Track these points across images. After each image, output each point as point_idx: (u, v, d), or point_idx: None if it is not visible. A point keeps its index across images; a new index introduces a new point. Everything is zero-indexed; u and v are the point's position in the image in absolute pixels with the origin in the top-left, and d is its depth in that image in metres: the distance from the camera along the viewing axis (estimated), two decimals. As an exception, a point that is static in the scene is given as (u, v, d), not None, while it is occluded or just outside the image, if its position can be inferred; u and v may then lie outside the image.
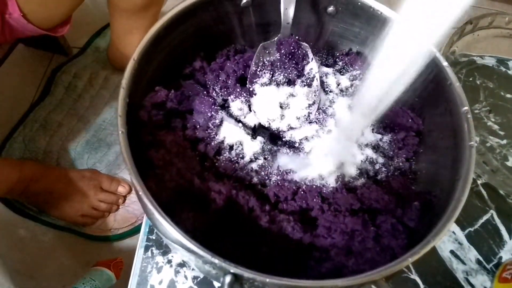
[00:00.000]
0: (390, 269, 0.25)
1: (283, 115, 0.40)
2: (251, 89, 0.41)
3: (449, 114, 0.35)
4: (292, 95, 0.42)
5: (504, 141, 0.53)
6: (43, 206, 0.73)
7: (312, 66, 0.42)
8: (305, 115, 0.40)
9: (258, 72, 0.41)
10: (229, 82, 0.40)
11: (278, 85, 0.42)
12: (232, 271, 0.24)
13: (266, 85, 0.41)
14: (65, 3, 0.60)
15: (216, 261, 0.24)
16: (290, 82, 0.42)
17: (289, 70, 0.41)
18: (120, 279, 0.63)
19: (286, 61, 0.41)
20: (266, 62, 0.41)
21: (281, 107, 0.41)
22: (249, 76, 0.41)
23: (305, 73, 0.42)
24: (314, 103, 0.41)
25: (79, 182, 0.72)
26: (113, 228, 0.78)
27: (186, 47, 0.40)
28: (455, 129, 0.34)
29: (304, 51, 0.42)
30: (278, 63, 0.41)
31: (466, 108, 0.33)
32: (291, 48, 0.41)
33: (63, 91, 0.92)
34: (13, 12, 0.51)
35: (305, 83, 0.42)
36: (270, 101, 0.40)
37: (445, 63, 0.35)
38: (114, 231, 0.78)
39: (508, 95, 0.58)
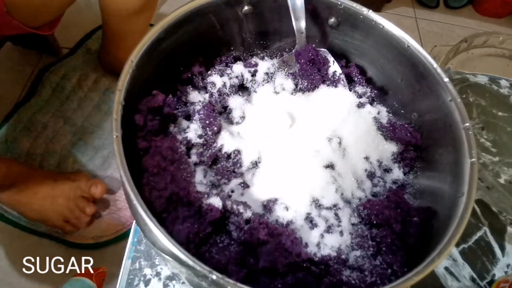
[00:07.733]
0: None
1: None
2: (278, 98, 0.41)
3: (449, 130, 0.35)
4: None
5: (497, 158, 0.53)
6: (25, 207, 0.70)
7: (335, 69, 0.42)
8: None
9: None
10: (229, 89, 0.39)
11: (303, 91, 0.42)
12: None
13: (292, 94, 0.42)
14: (54, 2, 0.57)
15: (214, 277, 0.22)
16: (316, 88, 0.42)
17: (312, 77, 0.41)
18: (102, 290, 0.60)
19: (308, 68, 0.41)
20: (288, 75, 0.41)
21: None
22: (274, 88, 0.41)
23: (329, 76, 0.42)
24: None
25: (63, 185, 0.70)
26: (96, 236, 0.75)
27: (185, 51, 0.39)
28: (455, 145, 0.34)
29: (323, 56, 0.42)
30: (301, 72, 0.41)
31: (467, 124, 0.33)
32: (310, 55, 0.40)
33: (50, 92, 0.89)
34: None
35: (330, 87, 0.42)
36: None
37: (446, 79, 0.35)
38: (98, 239, 0.75)
39: (500, 113, 0.58)
